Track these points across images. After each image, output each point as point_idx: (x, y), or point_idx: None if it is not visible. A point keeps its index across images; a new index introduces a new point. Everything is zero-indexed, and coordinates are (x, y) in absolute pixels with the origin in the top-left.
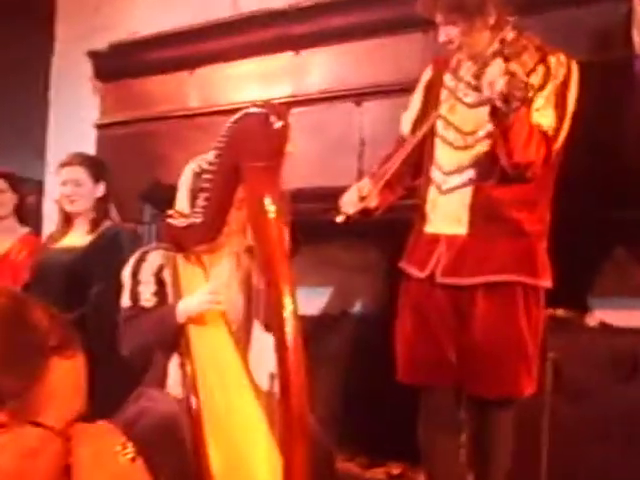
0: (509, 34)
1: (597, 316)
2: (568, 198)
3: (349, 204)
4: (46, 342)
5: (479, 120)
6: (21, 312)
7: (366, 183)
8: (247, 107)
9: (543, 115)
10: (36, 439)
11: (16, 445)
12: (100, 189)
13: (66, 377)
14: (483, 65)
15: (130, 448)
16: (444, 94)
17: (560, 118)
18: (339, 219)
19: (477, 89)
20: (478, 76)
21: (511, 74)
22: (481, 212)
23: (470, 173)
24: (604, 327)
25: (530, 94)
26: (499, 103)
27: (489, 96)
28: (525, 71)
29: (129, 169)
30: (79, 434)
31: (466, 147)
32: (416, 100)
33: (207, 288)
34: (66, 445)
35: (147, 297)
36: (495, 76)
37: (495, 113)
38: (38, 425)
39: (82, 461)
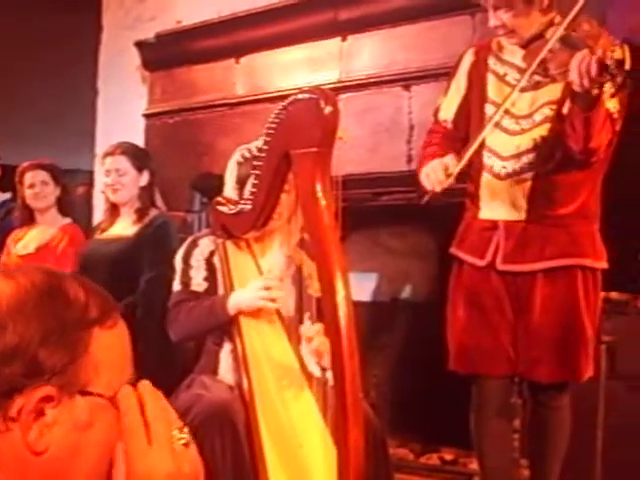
0: (558, 18)
1: None
2: (619, 178)
3: (436, 182)
4: (86, 315)
5: (533, 104)
6: (58, 287)
7: (450, 159)
8: (295, 93)
9: (609, 99)
10: (88, 410)
11: (68, 418)
12: (144, 178)
13: (110, 347)
14: (558, 49)
15: (185, 433)
16: (492, 78)
17: (622, 100)
18: (425, 199)
19: (541, 73)
20: (545, 62)
21: (600, 59)
22: (541, 197)
23: (529, 158)
24: None
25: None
26: (585, 89)
27: (579, 82)
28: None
29: (178, 158)
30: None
31: (523, 131)
32: (459, 85)
33: (260, 283)
34: (118, 414)
35: (198, 282)
36: (585, 61)
37: (579, 99)
38: (88, 394)
39: None
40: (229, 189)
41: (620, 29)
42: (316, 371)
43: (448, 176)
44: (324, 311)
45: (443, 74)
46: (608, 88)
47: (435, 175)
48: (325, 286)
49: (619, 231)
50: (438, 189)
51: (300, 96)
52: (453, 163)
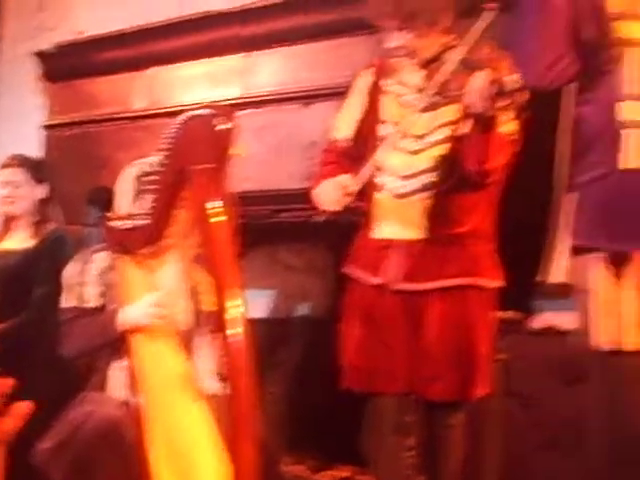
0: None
1: (544, 318)
2: (517, 199)
3: (333, 202)
4: None
5: (431, 124)
6: None
7: (348, 178)
8: (194, 109)
9: (507, 122)
10: None
11: None
12: (41, 191)
13: None
14: (460, 72)
15: None
16: (388, 99)
17: (520, 124)
18: (321, 218)
19: (440, 94)
20: (446, 83)
21: (499, 82)
22: (438, 216)
23: (426, 177)
24: (550, 329)
25: (520, 101)
26: (483, 111)
27: (475, 103)
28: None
29: (77, 171)
30: None
31: (420, 151)
32: (356, 104)
33: (151, 299)
34: None
35: (92, 298)
36: (484, 84)
37: (476, 120)
38: None
39: None
40: (124, 203)
41: (525, 74)
42: (211, 386)
43: (347, 195)
44: (219, 327)
45: (343, 92)
46: (507, 111)
47: (331, 195)
48: (220, 302)
49: (514, 250)
50: (337, 209)
51: (196, 112)
52: (351, 182)
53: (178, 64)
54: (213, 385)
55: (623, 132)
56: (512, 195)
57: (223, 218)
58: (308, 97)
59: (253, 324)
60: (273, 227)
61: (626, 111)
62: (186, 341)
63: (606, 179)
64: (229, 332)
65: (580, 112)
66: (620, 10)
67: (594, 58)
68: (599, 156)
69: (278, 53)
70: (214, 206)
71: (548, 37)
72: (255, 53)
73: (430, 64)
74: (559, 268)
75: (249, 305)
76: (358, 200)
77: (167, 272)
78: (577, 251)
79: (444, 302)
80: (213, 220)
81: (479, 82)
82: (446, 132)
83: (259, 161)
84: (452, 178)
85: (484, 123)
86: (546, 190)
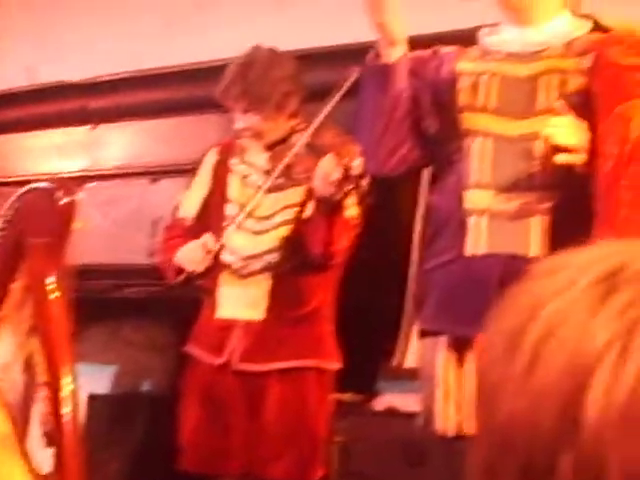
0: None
1: (385, 400)
2: (356, 281)
3: (195, 262)
4: None
5: (276, 205)
6: None
7: (209, 238)
8: (37, 180)
9: (351, 206)
10: None
11: None
12: None
13: None
14: (305, 155)
15: None
16: (234, 178)
17: (362, 208)
18: (181, 278)
19: (284, 176)
20: (291, 166)
21: (345, 167)
22: (280, 297)
23: (269, 258)
24: (391, 411)
25: (363, 185)
26: (328, 194)
27: (321, 187)
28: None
29: None
30: None
31: (264, 232)
32: (202, 183)
33: None
34: None
35: None
36: (330, 168)
37: (321, 204)
38: None
39: None
40: None
41: (367, 161)
42: (42, 462)
43: (208, 253)
44: (50, 405)
45: (191, 170)
46: (351, 195)
47: (193, 255)
48: (52, 380)
49: (355, 332)
50: (200, 269)
51: (37, 185)
52: (212, 242)
53: (24, 133)
54: (44, 461)
55: (468, 219)
56: (363, 278)
57: (58, 294)
58: (155, 173)
59: (92, 400)
60: (115, 302)
61: (471, 199)
62: (17, 415)
63: (452, 265)
64: (60, 410)
65: (431, 200)
66: (466, 102)
67: (443, 148)
68: (446, 242)
69: (127, 127)
70: (50, 281)
71: (388, 124)
72: (103, 126)
73: (276, 146)
74: (412, 352)
75: (88, 381)
76: (202, 278)
77: (2, 348)
78: (424, 334)
79: (283, 383)
80: (48, 295)
81: (325, 166)
82: (290, 214)
83: (103, 235)
84: (295, 259)
85: (329, 206)
86: (400, 274)
